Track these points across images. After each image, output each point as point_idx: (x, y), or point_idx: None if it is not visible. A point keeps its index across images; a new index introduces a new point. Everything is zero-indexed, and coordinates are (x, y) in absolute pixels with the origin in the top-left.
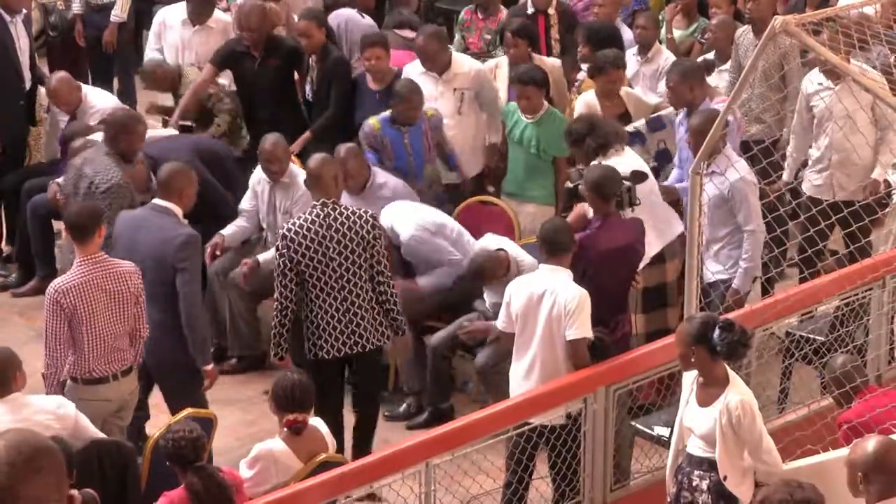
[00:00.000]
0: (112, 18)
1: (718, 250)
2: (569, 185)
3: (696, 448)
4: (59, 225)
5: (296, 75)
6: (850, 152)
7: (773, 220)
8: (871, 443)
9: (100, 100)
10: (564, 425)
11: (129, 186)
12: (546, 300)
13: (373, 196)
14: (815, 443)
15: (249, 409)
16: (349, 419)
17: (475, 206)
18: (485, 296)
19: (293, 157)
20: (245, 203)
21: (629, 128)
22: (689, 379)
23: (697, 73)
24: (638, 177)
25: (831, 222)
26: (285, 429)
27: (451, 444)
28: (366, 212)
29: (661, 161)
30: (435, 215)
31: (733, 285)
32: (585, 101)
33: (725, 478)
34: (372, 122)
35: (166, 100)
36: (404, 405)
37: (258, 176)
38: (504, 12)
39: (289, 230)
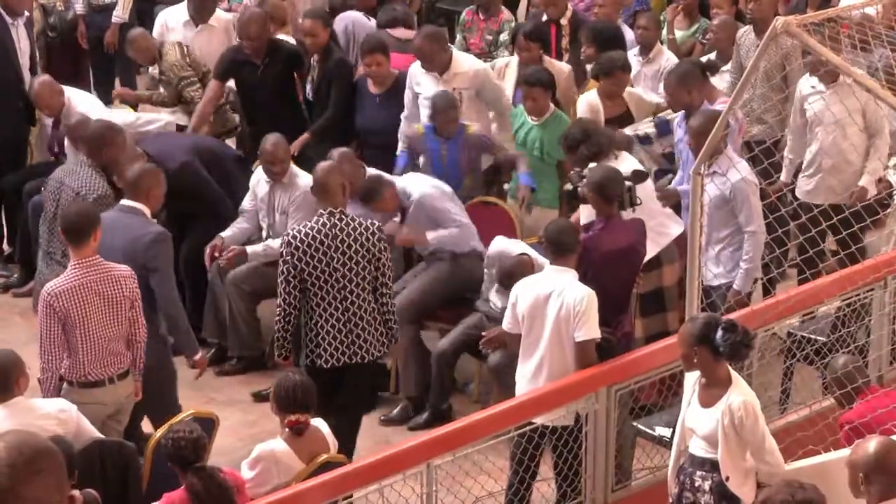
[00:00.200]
0: (114, 19)
1: (719, 252)
2: (568, 187)
3: (699, 449)
4: None
5: (295, 75)
6: (840, 157)
7: (775, 221)
8: (872, 444)
9: (83, 104)
10: (567, 426)
11: (112, 196)
12: (553, 301)
13: None
14: (817, 443)
15: (250, 409)
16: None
17: (477, 207)
18: (492, 296)
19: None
20: (245, 203)
21: (639, 131)
22: (692, 379)
23: (694, 76)
24: (639, 176)
25: (826, 226)
26: (287, 429)
27: (453, 444)
28: (372, 223)
29: (669, 165)
30: (447, 186)
31: (734, 286)
32: (587, 100)
33: (727, 478)
34: (417, 126)
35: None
36: (399, 408)
37: (258, 176)
38: (505, 13)
39: (294, 237)
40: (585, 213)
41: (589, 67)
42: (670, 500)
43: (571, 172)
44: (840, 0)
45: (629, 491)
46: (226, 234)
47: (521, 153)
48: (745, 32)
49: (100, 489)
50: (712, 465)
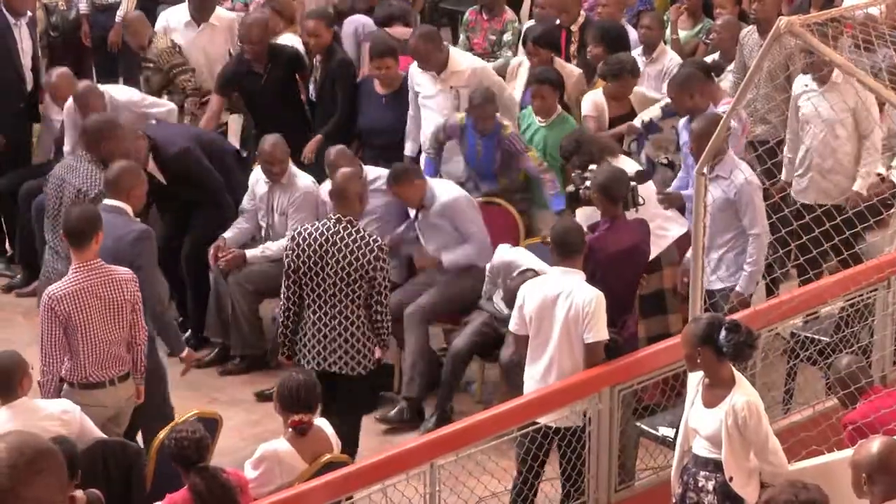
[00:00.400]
0: (117, 19)
1: (721, 256)
2: (570, 189)
3: (702, 449)
4: None
5: (297, 77)
6: (830, 157)
7: (778, 221)
8: (875, 444)
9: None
10: (570, 427)
11: None
12: (561, 302)
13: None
14: (820, 443)
15: (254, 409)
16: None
17: (481, 206)
18: (498, 302)
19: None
20: (245, 203)
21: (645, 118)
22: (695, 380)
23: (696, 80)
24: (641, 177)
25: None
26: (290, 429)
27: (456, 444)
28: (375, 240)
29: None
30: (459, 190)
31: (737, 288)
32: (593, 99)
33: (731, 479)
34: (459, 116)
35: None
36: (397, 409)
37: (257, 176)
38: (509, 13)
39: (298, 233)
40: (584, 216)
41: (597, 66)
42: (674, 501)
43: (573, 174)
44: (843, 0)
45: (632, 491)
46: (228, 234)
47: (552, 172)
48: (749, 32)
49: (103, 489)
50: (716, 466)
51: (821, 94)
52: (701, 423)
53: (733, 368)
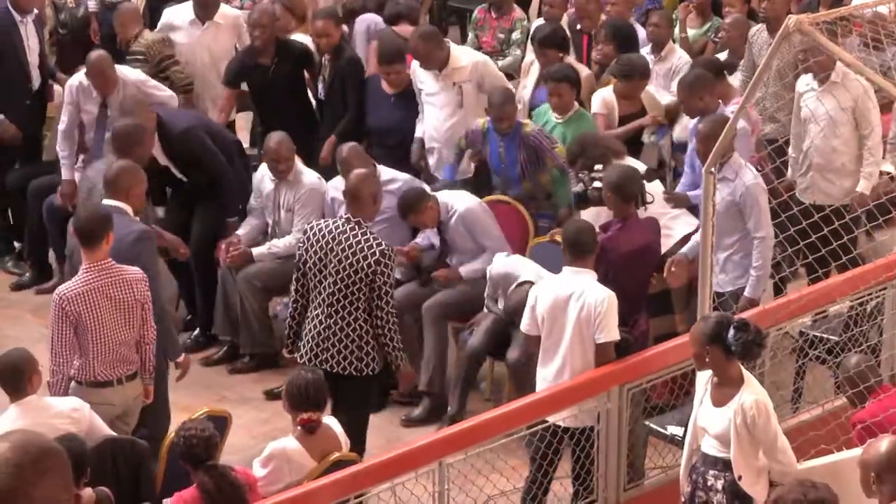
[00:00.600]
0: None
1: (727, 257)
2: (578, 189)
3: (711, 448)
4: None
5: (305, 74)
6: (829, 156)
7: (787, 220)
8: (884, 443)
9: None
10: (581, 427)
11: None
12: (573, 303)
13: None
14: (829, 442)
15: (263, 407)
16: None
17: (491, 205)
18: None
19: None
20: (253, 202)
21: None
22: (704, 378)
23: (704, 81)
24: (651, 175)
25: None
26: (299, 427)
27: (465, 443)
28: (379, 245)
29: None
30: (473, 198)
31: (746, 293)
32: (602, 97)
33: (740, 477)
34: (481, 121)
35: None
36: (421, 408)
37: (262, 174)
38: (517, 11)
39: (310, 227)
40: (590, 216)
41: (607, 64)
42: (683, 499)
43: (581, 174)
44: None
45: (641, 490)
46: (241, 231)
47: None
48: (758, 31)
49: (112, 487)
50: (725, 464)
51: (820, 93)
52: (710, 421)
53: (742, 367)
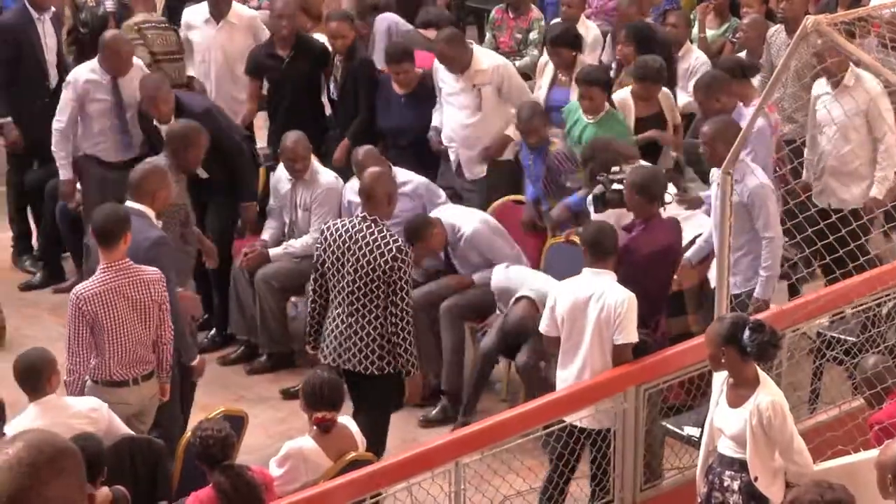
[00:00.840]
0: None
1: (737, 259)
2: (596, 191)
3: (727, 448)
4: None
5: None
6: (841, 160)
7: (805, 221)
8: None
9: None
10: (598, 429)
11: (186, 207)
12: (593, 304)
13: None
14: (846, 443)
15: (280, 407)
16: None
17: (508, 205)
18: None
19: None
20: (272, 202)
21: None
22: (720, 379)
23: (721, 82)
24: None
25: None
26: (314, 427)
27: (482, 443)
28: (395, 242)
29: None
30: (476, 213)
31: (755, 294)
32: (619, 98)
33: (756, 478)
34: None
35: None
36: (439, 408)
37: (278, 175)
38: (535, 11)
39: (326, 227)
40: (610, 217)
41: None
42: (699, 500)
43: (600, 176)
44: None
45: (658, 490)
46: (264, 236)
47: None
48: (776, 31)
49: (129, 486)
50: (741, 465)
51: (834, 97)
52: (726, 422)
53: (758, 368)
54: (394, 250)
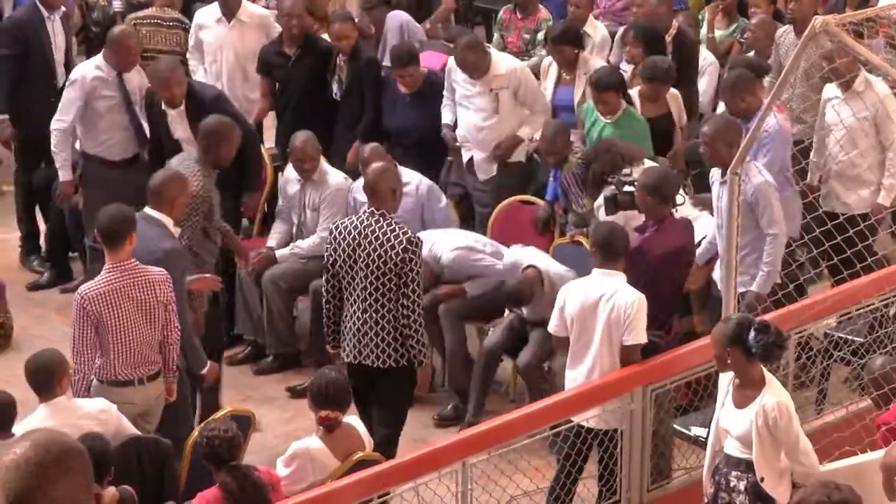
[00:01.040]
0: None
1: (741, 258)
2: (607, 193)
3: (734, 449)
4: None
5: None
6: (847, 165)
7: (812, 221)
8: None
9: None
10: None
11: (210, 200)
12: (603, 305)
13: None
14: (854, 444)
15: (287, 407)
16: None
17: (515, 206)
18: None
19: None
20: (280, 205)
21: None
22: (726, 380)
23: (747, 82)
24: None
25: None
26: (320, 426)
27: (489, 443)
28: (405, 233)
29: None
30: (465, 235)
31: (753, 288)
32: None
33: (762, 479)
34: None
35: None
36: (450, 406)
37: (287, 177)
38: (543, 11)
39: (335, 227)
40: (621, 219)
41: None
42: (706, 501)
43: (611, 178)
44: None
45: (665, 491)
46: (272, 243)
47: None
48: (785, 32)
49: (137, 485)
50: (747, 466)
51: (843, 101)
52: (732, 423)
53: (763, 369)
54: (404, 242)
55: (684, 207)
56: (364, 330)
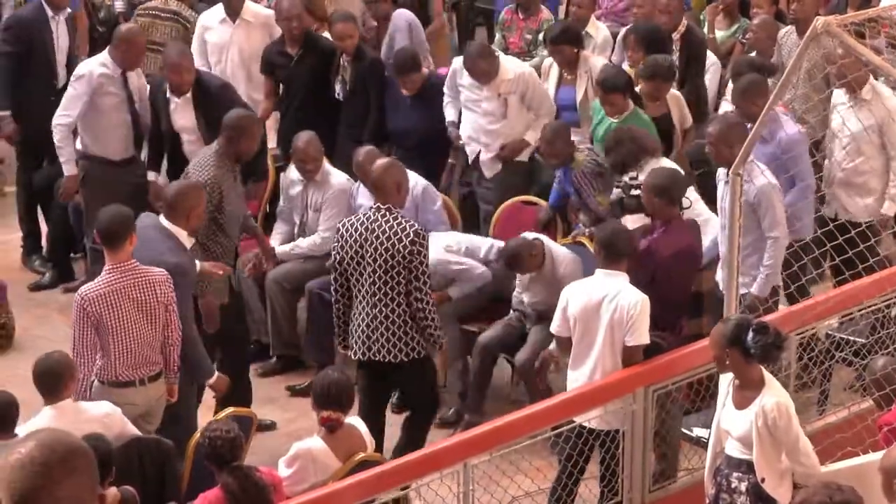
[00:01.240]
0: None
1: (744, 259)
2: (614, 197)
3: (734, 450)
4: None
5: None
6: (851, 172)
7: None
8: None
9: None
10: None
11: (220, 191)
12: (606, 305)
13: None
14: (856, 445)
15: (289, 407)
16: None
17: (517, 206)
18: (515, 293)
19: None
20: (281, 204)
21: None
22: (726, 381)
23: (759, 86)
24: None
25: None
26: (322, 426)
27: (490, 444)
28: (412, 226)
29: None
30: (442, 238)
31: (752, 290)
32: None
33: (763, 480)
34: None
35: None
36: (452, 410)
37: (290, 176)
38: (545, 12)
39: (342, 224)
40: (628, 222)
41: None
42: (707, 502)
43: (619, 182)
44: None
45: (667, 492)
46: (274, 241)
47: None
48: (788, 33)
49: (138, 486)
50: (748, 467)
51: (850, 108)
52: (732, 424)
53: (763, 370)
54: (411, 235)
55: (695, 208)
56: (374, 325)
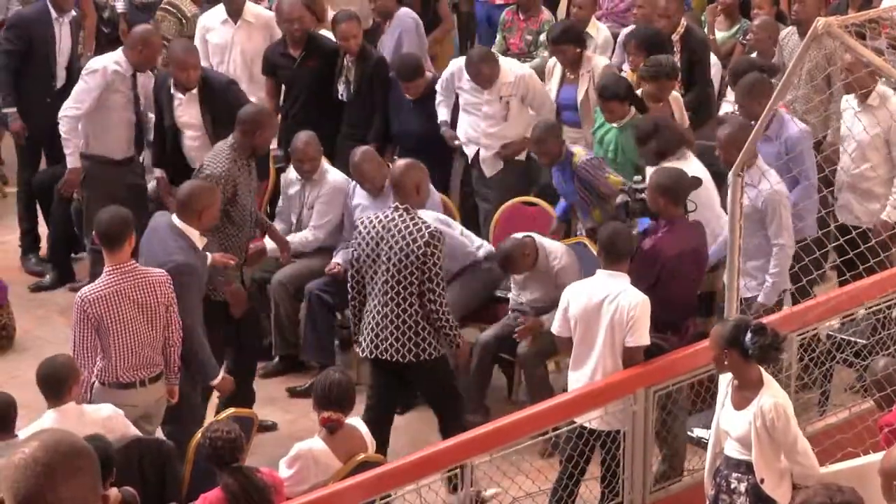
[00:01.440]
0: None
1: (748, 260)
2: (620, 200)
3: (733, 450)
4: None
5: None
6: (857, 178)
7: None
8: None
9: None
10: (608, 430)
11: (234, 184)
12: (607, 305)
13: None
14: (856, 446)
15: (289, 407)
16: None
17: (517, 206)
18: (512, 294)
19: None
20: (280, 205)
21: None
22: (726, 381)
23: (763, 86)
24: (696, 182)
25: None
26: (322, 427)
27: (490, 444)
28: (427, 227)
29: None
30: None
31: (759, 299)
32: None
33: (762, 480)
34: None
35: None
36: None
37: (290, 176)
38: (545, 13)
39: (360, 221)
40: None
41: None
42: (707, 502)
43: (624, 186)
44: (882, 1)
45: (667, 492)
46: (271, 245)
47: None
48: (789, 34)
49: (139, 487)
50: (747, 467)
51: (857, 114)
52: (731, 424)
53: (762, 370)
54: (426, 236)
55: (703, 211)
56: (384, 324)
